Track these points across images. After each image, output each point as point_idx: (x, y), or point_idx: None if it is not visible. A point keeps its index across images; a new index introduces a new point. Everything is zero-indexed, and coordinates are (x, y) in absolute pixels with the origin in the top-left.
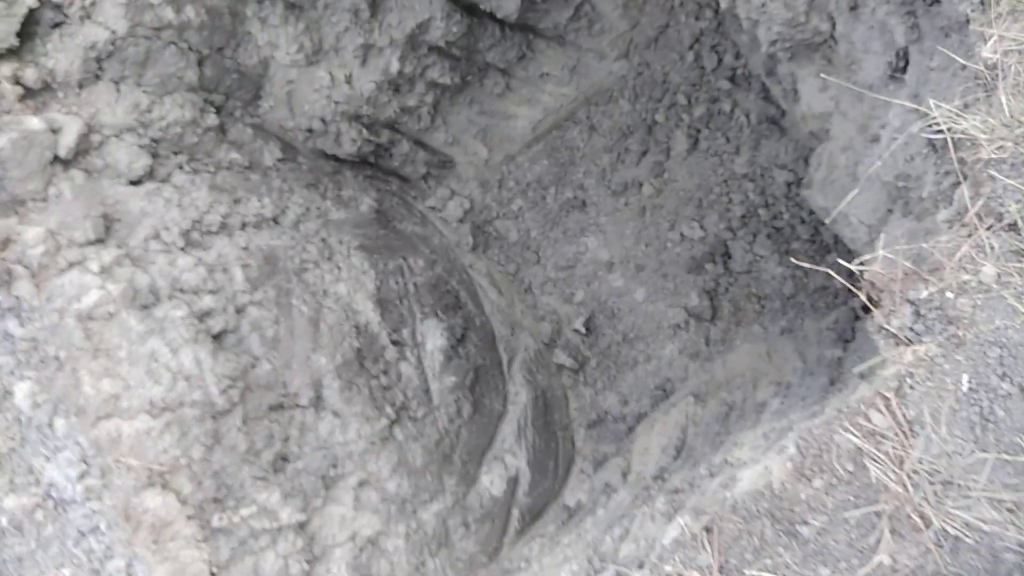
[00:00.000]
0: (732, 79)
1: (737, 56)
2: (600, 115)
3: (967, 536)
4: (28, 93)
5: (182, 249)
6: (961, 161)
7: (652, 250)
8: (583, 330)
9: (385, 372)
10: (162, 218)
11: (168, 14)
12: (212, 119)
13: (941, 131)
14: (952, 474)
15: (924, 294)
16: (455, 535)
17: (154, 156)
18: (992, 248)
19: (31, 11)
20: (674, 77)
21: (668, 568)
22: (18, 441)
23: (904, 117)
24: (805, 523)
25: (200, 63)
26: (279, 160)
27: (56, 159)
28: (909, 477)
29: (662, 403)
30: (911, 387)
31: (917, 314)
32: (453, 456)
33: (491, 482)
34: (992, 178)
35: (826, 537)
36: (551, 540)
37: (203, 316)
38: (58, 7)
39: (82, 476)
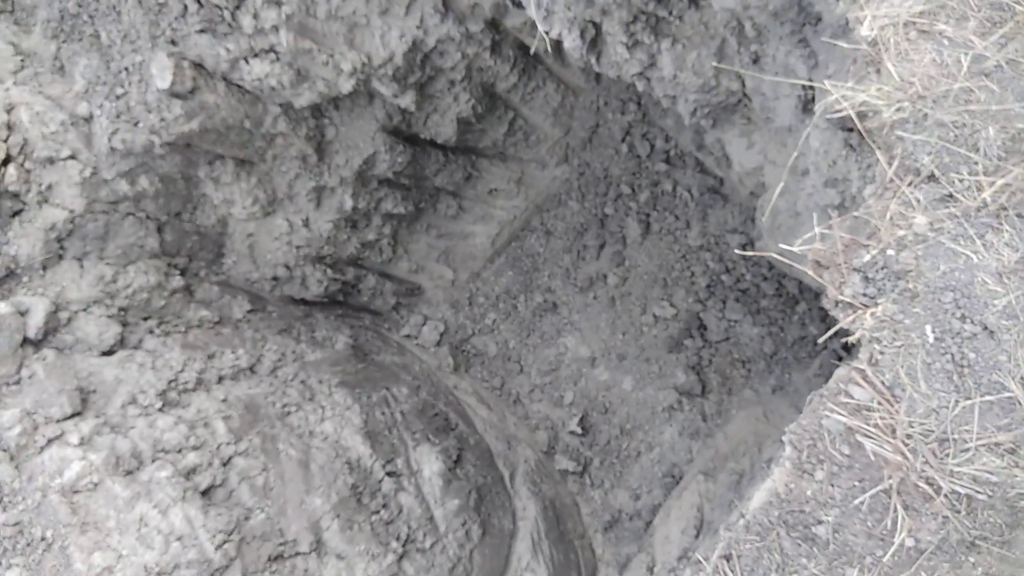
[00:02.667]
0: (667, 160)
1: (667, 139)
2: (553, 219)
3: (978, 492)
4: None
5: (160, 410)
6: (868, 131)
7: (630, 337)
8: (579, 430)
9: (385, 506)
10: (137, 383)
11: (123, 187)
12: (177, 281)
13: (841, 109)
14: (944, 429)
15: (867, 257)
16: None
17: (123, 324)
18: (918, 200)
19: None
20: (614, 170)
21: None
22: None
23: (822, 136)
24: (819, 522)
25: (160, 230)
26: (249, 312)
27: (26, 340)
28: (904, 444)
29: (673, 489)
30: (881, 352)
31: (866, 278)
32: None
33: None
34: (900, 138)
35: (843, 533)
36: None
37: (189, 473)
38: (15, 195)
39: None
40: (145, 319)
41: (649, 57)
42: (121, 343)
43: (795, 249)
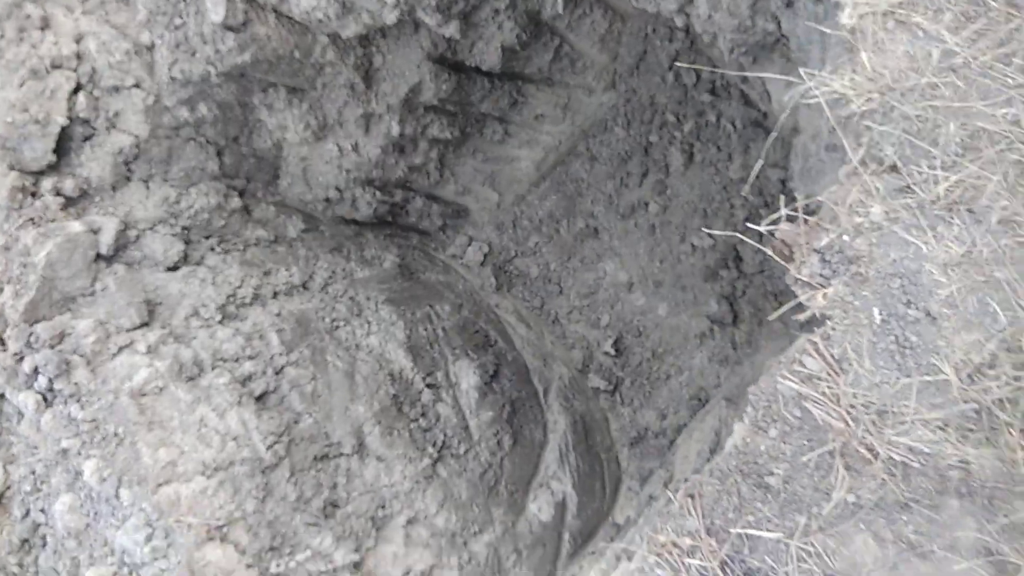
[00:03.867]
0: (713, 91)
1: (713, 69)
2: (598, 145)
3: (912, 461)
4: (68, 201)
5: (220, 322)
6: (839, 119)
7: (667, 265)
8: (613, 352)
9: (423, 415)
10: (199, 297)
11: (183, 114)
12: (236, 202)
13: (816, 96)
14: (885, 403)
15: (825, 241)
16: (507, 563)
17: (187, 242)
18: (878, 189)
19: (63, 129)
20: (660, 99)
21: (662, 538)
22: (92, 516)
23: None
24: (771, 473)
25: (219, 153)
26: (303, 231)
27: (99, 256)
28: (848, 412)
29: (698, 412)
30: (833, 328)
31: (823, 260)
32: (499, 487)
33: (539, 509)
34: (868, 128)
35: (792, 484)
36: (599, 555)
37: (245, 380)
38: (86, 122)
39: (148, 539)
40: (207, 237)
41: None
42: (184, 260)
43: (763, 229)
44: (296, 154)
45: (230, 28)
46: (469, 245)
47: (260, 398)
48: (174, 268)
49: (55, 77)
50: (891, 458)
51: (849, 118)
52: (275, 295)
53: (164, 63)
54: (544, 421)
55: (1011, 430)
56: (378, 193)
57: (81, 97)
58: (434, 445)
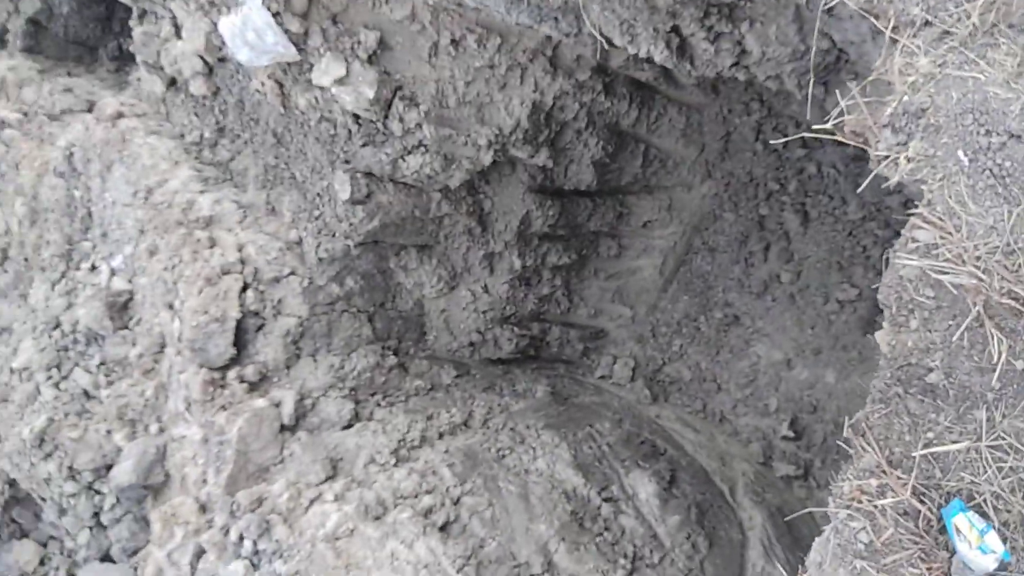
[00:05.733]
0: (804, 144)
1: (797, 124)
2: (712, 235)
3: None
4: (252, 386)
5: (395, 465)
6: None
7: (819, 329)
8: (792, 435)
9: (607, 528)
10: (373, 446)
11: (334, 289)
12: (392, 360)
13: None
14: (1007, 241)
15: (889, 111)
16: None
17: (356, 402)
18: (919, 47)
19: (238, 323)
20: (757, 171)
21: (846, 487)
22: None
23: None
24: (929, 369)
25: (370, 319)
26: (455, 377)
27: (283, 427)
28: (976, 267)
29: None
30: (929, 191)
31: (894, 129)
32: None
33: None
34: (891, 1)
35: (955, 374)
36: None
37: (426, 513)
38: (256, 313)
39: None
40: (372, 395)
41: (735, 45)
42: (356, 417)
43: (830, 126)
44: (436, 308)
45: (357, 202)
46: (615, 363)
47: (443, 528)
48: (348, 426)
49: (226, 281)
50: None
51: (868, 0)
52: (440, 435)
53: (311, 249)
54: (738, 520)
55: None
56: (516, 329)
57: (249, 293)
58: (626, 556)
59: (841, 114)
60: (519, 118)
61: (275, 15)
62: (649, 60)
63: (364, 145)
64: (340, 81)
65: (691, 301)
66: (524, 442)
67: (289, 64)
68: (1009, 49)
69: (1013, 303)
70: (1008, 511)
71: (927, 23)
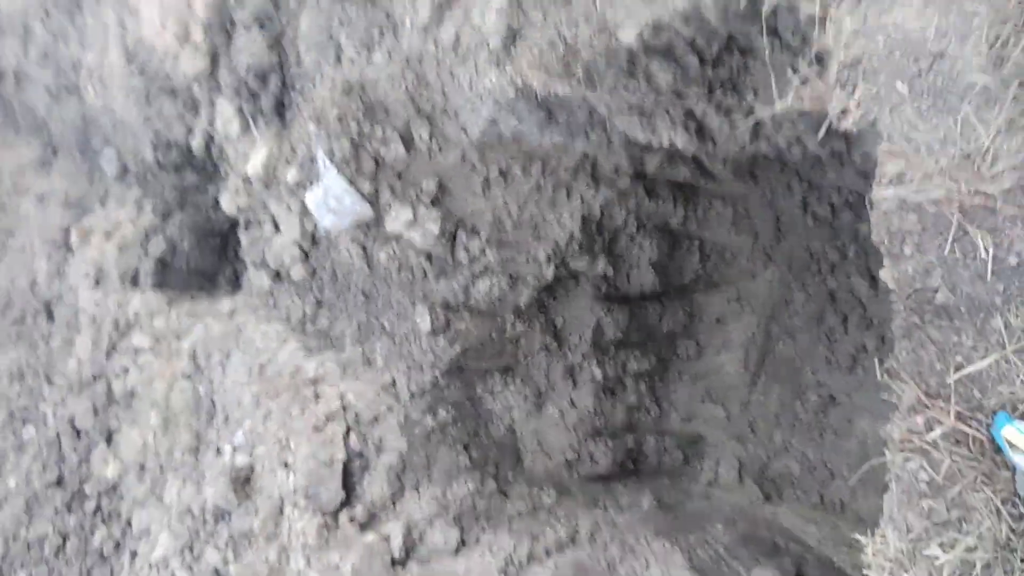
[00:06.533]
0: (851, 207)
1: (839, 191)
2: (788, 318)
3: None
4: (362, 526)
5: None
6: None
7: None
8: None
9: None
10: (482, 568)
11: (429, 422)
12: (491, 485)
13: None
14: (961, 146)
15: (834, 71)
16: None
17: (461, 528)
18: (844, 14)
19: (344, 465)
20: (815, 245)
21: (896, 432)
22: None
23: None
24: (935, 289)
25: (466, 448)
26: (557, 498)
27: (393, 561)
28: (945, 179)
29: None
30: (884, 129)
31: (840, 84)
32: None
33: None
34: None
35: (959, 289)
36: None
37: None
38: (360, 454)
39: None
40: (476, 520)
41: (746, 116)
42: (462, 542)
43: (790, 102)
44: (527, 430)
45: (437, 332)
46: (718, 466)
47: None
48: (456, 551)
49: (330, 427)
50: (1006, 189)
51: None
52: (547, 553)
53: (403, 386)
54: None
55: None
56: (609, 442)
57: (352, 436)
58: None
59: (799, 90)
60: (572, 231)
61: (350, 181)
62: (682, 157)
63: (437, 279)
64: (409, 224)
65: (783, 389)
66: (635, 551)
67: (368, 225)
68: None
69: (984, 201)
70: None
71: None
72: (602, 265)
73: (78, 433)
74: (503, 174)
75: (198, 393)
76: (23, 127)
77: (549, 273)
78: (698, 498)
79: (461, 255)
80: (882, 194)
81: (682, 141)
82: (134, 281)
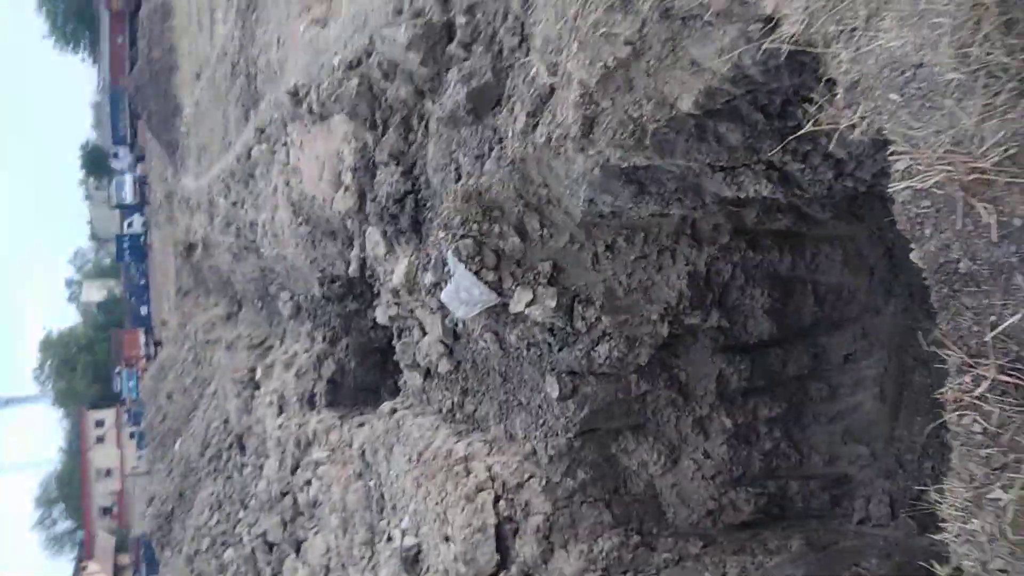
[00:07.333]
0: None
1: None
2: (918, 348)
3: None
4: None
5: None
6: None
7: None
8: None
9: None
10: None
11: (569, 483)
12: (636, 539)
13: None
14: (951, 134)
15: (840, 95)
16: None
17: None
18: (841, 48)
19: (496, 529)
20: None
21: (949, 394)
22: None
23: None
24: (956, 261)
25: (608, 506)
26: (703, 547)
27: None
28: (943, 164)
29: None
30: (886, 131)
31: (847, 104)
32: None
33: None
34: None
35: (978, 257)
36: None
37: None
38: (510, 519)
39: None
40: (623, 573)
41: (823, 157)
42: None
43: (808, 128)
44: (666, 484)
45: (566, 398)
46: (869, 504)
47: None
48: None
49: (481, 496)
50: (995, 163)
51: None
52: None
53: (542, 453)
54: None
55: None
56: (750, 489)
57: (501, 503)
58: None
59: (816, 117)
60: (680, 289)
61: (475, 273)
62: (779, 207)
63: (561, 350)
64: (530, 303)
65: (925, 419)
66: None
67: (497, 313)
68: (892, 16)
69: (981, 176)
70: None
71: (841, 32)
72: (716, 318)
73: (270, 547)
74: (609, 248)
75: (369, 488)
76: (212, 288)
77: (664, 331)
78: (851, 537)
79: (579, 324)
80: (897, 188)
81: (767, 191)
82: (311, 403)
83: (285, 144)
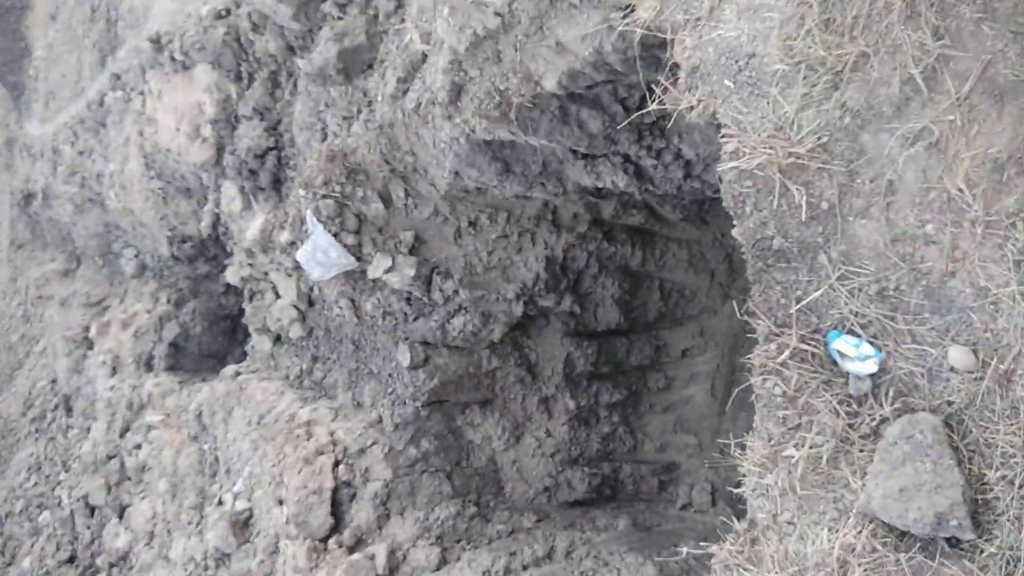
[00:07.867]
0: None
1: None
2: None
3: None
4: (349, 549)
5: None
6: None
7: None
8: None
9: None
10: None
11: (412, 452)
12: (472, 510)
13: None
14: (774, 121)
15: (682, 79)
16: None
17: (442, 548)
18: (684, 38)
19: (333, 494)
20: None
21: (755, 360)
22: None
23: None
24: (771, 238)
25: (449, 477)
26: (536, 522)
27: None
28: (764, 148)
29: None
30: (720, 115)
31: (687, 88)
32: None
33: None
34: None
35: (790, 235)
36: None
37: None
38: (347, 483)
39: None
40: (457, 541)
41: (675, 157)
42: (443, 560)
43: (654, 108)
44: (507, 460)
45: (417, 367)
46: (692, 490)
47: None
48: (438, 568)
49: (321, 460)
50: (809, 149)
51: None
52: (525, 567)
53: (388, 420)
54: None
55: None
56: (586, 468)
57: (341, 468)
58: None
59: (660, 97)
60: (537, 272)
61: (335, 235)
62: (634, 204)
63: (416, 319)
64: (388, 270)
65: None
66: (608, 564)
67: (354, 279)
68: (732, 8)
69: (796, 160)
70: (870, 323)
71: (687, 21)
72: (568, 303)
73: (92, 511)
74: (472, 224)
75: (203, 452)
76: (49, 242)
77: (519, 310)
78: (673, 521)
79: (436, 295)
80: (725, 168)
81: (623, 183)
82: (148, 366)
83: (142, 93)
